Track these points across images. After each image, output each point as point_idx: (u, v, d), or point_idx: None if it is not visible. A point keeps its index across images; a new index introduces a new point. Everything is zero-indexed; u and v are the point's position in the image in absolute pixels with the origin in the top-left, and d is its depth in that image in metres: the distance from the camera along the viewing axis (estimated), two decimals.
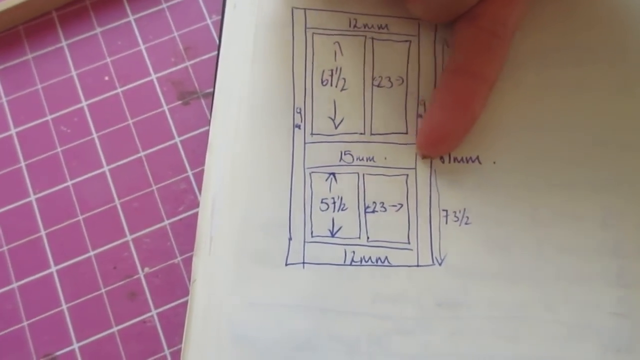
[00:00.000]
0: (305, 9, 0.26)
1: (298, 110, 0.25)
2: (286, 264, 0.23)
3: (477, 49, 0.24)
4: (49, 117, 0.30)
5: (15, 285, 0.27)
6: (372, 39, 0.26)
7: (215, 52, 0.29)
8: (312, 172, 0.24)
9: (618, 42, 0.26)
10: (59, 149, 0.29)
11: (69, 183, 0.29)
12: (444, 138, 0.24)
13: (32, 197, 0.28)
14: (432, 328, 0.22)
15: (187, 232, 0.27)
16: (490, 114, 0.25)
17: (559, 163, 0.24)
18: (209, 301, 0.23)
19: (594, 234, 0.23)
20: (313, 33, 0.26)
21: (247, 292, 0.23)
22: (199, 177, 0.27)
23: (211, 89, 0.28)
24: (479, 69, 0.24)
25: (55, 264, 0.28)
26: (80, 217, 0.28)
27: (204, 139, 0.27)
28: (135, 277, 0.27)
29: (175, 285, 0.27)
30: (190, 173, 0.29)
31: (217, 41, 0.29)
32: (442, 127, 0.24)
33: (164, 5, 0.32)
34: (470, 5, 0.24)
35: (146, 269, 0.27)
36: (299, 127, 0.25)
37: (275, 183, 0.24)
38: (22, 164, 0.29)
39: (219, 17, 0.30)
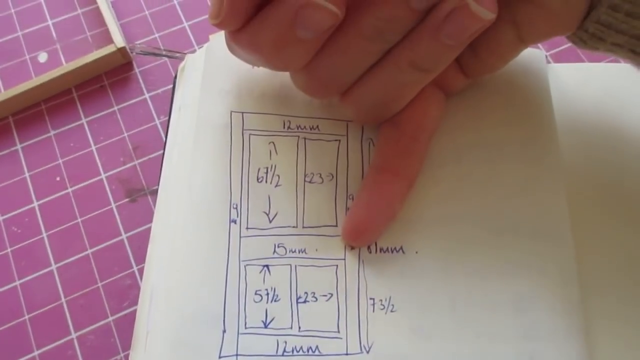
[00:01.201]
0: (242, 112, 0.28)
1: (234, 206, 0.26)
2: (220, 357, 0.24)
3: (399, 151, 0.27)
4: (0, 219, 0.31)
5: None
6: (305, 138, 0.28)
7: (162, 151, 0.31)
8: (247, 264, 0.25)
9: (521, 139, 0.28)
10: (8, 249, 0.30)
11: (17, 283, 0.30)
12: (365, 231, 0.26)
13: None
14: None
15: (130, 328, 0.27)
16: (413, 207, 0.26)
17: (474, 252, 0.26)
18: None
19: (507, 318, 0.24)
20: (250, 134, 0.28)
21: None
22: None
23: (157, 186, 0.30)
24: (399, 169, 0.26)
25: None
26: (27, 317, 0.29)
27: (149, 234, 0.28)
28: None
29: None
30: (135, 268, 0.30)
31: (164, 140, 0.31)
32: (364, 221, 0.26)
33: (115, 108, 0.34)
34: (395, 111, 0.27)
35: None
36: (235, 222, 0.26)
37: (211, 276, 0.25)
38: None
39: (167, 118, 0.32)
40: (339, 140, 0.28)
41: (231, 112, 0.28)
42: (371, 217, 0.26)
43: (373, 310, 0.25)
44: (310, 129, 0.28)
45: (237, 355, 0.24)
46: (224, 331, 0.24)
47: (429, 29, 0.23)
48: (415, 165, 0.27)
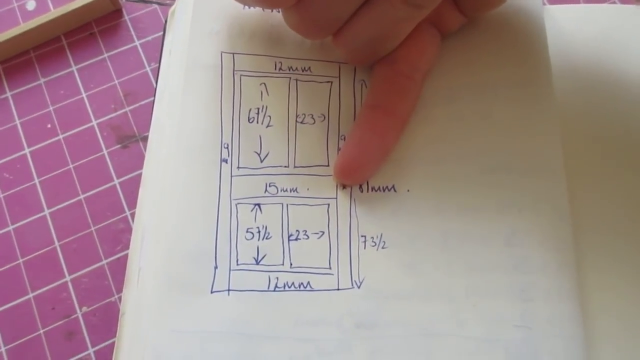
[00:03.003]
0: (233, 53, 0.28)
1: (225, 146, 0.26)
2: (212, 292, 0.24)
3: (393, 90, 0.26)
4: None
5: None
6: (296, 80, 0.28)
7: (153, 98, 0.31)
8: (238, 203, 0.25)
9: (516, 80, 0.27)
10: (1, 195, 0.30)
11: (10, 228, 0.29)
12: (358, 168, 0.25)
13: None
14: (352, 348, 0.23)
15: (124, 271, 0.28)
16: (405, 147, 0.26)
17: (466, 189, 0.26)
18: (135, 332, 0.24)
19: (499, 253, 0.24)
20: (241, 75, 0.28)
21: (172, 321, 0.23)
22: None
23: (148, 133, 0.30)
24: (394, 108, 0.26)
25: None
26: (21, 261, 0.29)
27: (141, 179, 0.28)
28: (73, 316, 0.28)
29: (111, 322, 0.27)
30: (128, 213, 0.30)
31: (155, 86, 0.31)
32: (356, 159, 0.25)
33: (105, 55, 0.33)
34: (389, 50, 0.26)
35: (84, 308, 0.28)
36: (226, 161, 0.26)
37: (202, 214, 0.25)
38: None
39: (157, 65, 0.32)
40: (331, 82, 0.28)
41: (222, 52, 0.28)
42: (364, 155, 0.25)
43: (364, 247, 0.25)
44: (302, 71, 0.28)
45: (229, 290, 0.24)
46: (216, 267, 0.24)
47: None
48: (409, 104, 0.26)
